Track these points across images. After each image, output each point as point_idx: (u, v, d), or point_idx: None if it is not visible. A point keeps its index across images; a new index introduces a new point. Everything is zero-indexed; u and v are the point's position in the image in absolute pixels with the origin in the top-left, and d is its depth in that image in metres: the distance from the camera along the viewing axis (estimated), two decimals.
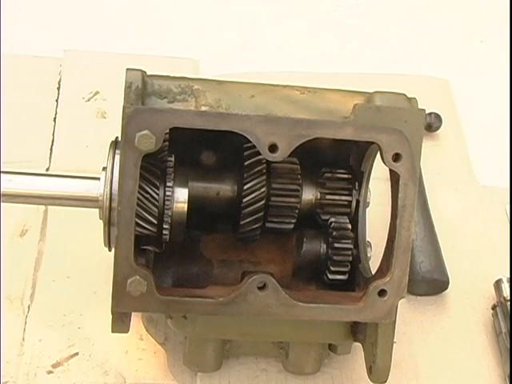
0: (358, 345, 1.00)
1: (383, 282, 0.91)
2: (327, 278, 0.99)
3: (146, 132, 0.83)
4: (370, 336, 0.96)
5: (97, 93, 1.40)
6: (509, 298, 1.16)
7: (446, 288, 1.21)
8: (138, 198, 0.87)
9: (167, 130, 0.85)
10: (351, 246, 0.99)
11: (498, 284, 1.19)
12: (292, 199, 0.98)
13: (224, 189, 0.98)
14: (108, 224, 0.91)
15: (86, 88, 1.40)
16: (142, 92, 0.91)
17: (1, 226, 1.17)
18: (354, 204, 1.02)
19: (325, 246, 1.00)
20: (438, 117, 1.42)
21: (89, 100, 1.39)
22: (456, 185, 1.38)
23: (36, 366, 1.06)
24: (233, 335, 1.01)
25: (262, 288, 0.89)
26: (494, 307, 1.18)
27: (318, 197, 1.01)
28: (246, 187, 0.95)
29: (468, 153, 1.43)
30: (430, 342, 1.16)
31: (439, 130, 1.43)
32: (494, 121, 1.50)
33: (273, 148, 0.86)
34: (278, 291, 0.89)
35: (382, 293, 0.91)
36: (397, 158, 0.89)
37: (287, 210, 0.98)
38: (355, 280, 1.00)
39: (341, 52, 1.59)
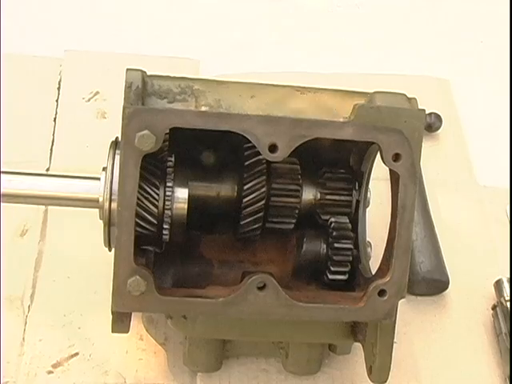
0: (358, 345, 1.00)
1: (383, 282, 0.91)
2: (327, 278, 0.99)
3: (146, 132, 0.83)
4: (370, 336, 0.96)
5: (97, 93, 1.40)
6: (509, 298, 1.16)
7: (446, 288, 1.21)
8: (138, 198, 0.87)
9: (167, 130, 0.85)
10: (351, 246, 0.99)
11: (498, 284, 1.19)
12: (292, 199, 0.98)
13: (224, 189, 0.98)
14: (108, 224, 0.91)
15: (86, 88, 1.40)
16: (142, 92, 0.91)
17: (1, 226, 1.17)
18: (354, 204, 1.02)
19: (325, 246, 0.99)
20: (438, 117, 1.42)
21: (89, 100, 1.39)
22: (456, 185, 1.38)
23: (36, 366, 1.06)
24: (233, 335, 1.01)
25: (261, 288, 0.89)
26: (494, 307, 1.18)
27: (318, 197, 1.01)
28: (246, 187, 0.95)
29: (468, 153, 1.43)
30: (430, 342, 1.16)
31: (439, 131, 1.43)
32: (494, 121, 1.50)
33: (273, 148, 0.86)
34: (278, 291, 0.89)
35: (382, 293, 0.91)
36: (397, 158, 0.89)
37: (287, 210, 0.98)
38: (355, 280, 1.00)
39: (341, 52, 1.59)
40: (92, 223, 0.97)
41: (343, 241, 0.98)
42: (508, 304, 1.15)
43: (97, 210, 0.93)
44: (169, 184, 0.92)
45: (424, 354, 1.15)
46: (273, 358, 1.10)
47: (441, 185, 1.36)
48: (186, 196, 0.94)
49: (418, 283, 1.18)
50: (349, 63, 1.56)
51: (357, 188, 1.02)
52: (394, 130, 0.88)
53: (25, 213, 1.19)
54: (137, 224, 0.88)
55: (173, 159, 0.93)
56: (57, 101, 1.38)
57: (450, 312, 1.21)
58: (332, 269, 0.99)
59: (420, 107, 0.95)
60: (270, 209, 0.97)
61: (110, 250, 0.94)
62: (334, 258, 0.98)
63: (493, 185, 1.39)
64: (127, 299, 0.87)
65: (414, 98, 0.96)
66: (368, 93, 0.97)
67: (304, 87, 0.97)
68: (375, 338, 0.95)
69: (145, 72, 0.93)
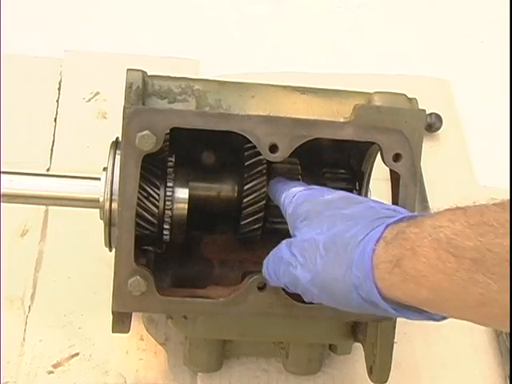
0: (358, 345, 1.00)
1: None
2: None
3: (146, 132, 0.83)
4: (371, 336, 0.96)
5: (97, 93, 1.40)
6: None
7: None
8: (138, 198, 0.87)
9: (168, 131, 0.85)
10: None
11: None
12: None
13: (224, 189, 0.98)
14: (109, 224, 0.91)
15: (86, 88, 1.40)
16: (142, 92, 0.91)
17: (1, 226, 1.17)
18: None
19: None
20: (438, 117, 1.42)
21: (89, 100, 1.39)
22: (456, 185, 1.37)
23: (36, 366, 1.06)
24: (233, 335, 1.01)
25: (262, 288, 0.89)
26: None
27: None
28: (246, 187, 0.95)
29: (468, 153, 1.43)
30: (430, 342, 1.16)
31: (439, 131, 1.43)
32: (494, 121, 1.50)
33: (273, 148, 0.87)
34: (278, 291, 0.89)
35: None
36: (397, 158, 0.89)
37: None
38: None
39: (341, 52, 1.59)
40: (92, 223, 0.97)
41: None
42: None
43: (97, 211, 0.93)
44: (169, 184, 0.92)
45: (424, 353, 1.15)
46: (273, 358, 1.10)
47: (441, 185, 1.36)
48: (187, 196, 0.94)
49: None
50: (349, 63, 1.55)
51: (357, 188, 1.02)
52: (394, 130, 0.88)
53: (25, 213, 1.19)
54: (137, 224, 0.88)
55: (173, 159, 0.94)
56: (57, 101, 1.38)
57: None
58: None
59: (420, 107, 0.95)
60: (271, 209, 0.97)
61: (110, 251, 0.94)
62: None
63: (493, 185, 1.38)
64: (128, 299, 0.87)
65: (415, 98, 0.96)
66: (368, 93, 0.97)
67: (304, 87, 0.97)
68: (375, 337, 0.95)
69: (145, 72, 0.93)
